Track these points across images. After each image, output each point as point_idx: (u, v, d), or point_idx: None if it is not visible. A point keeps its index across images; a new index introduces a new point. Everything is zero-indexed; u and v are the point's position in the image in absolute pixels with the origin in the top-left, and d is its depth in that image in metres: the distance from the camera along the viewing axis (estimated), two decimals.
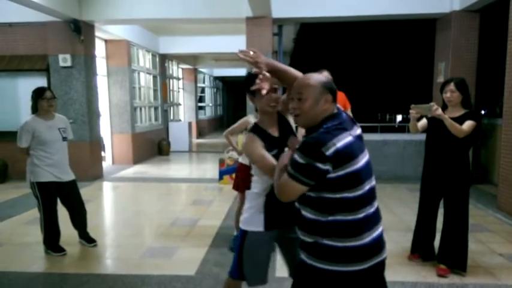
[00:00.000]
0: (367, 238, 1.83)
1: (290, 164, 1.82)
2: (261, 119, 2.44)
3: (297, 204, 1.99)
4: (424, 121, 3.82)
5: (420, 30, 11.98)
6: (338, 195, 1.79)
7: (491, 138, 7.63)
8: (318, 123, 1.88)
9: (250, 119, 4.09)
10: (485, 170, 7.74)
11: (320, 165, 1.73)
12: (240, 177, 4.24)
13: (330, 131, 1.79)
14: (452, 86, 3.58)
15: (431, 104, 3.48)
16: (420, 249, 4.00)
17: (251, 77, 2.33)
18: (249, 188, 2.57)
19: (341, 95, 5.22)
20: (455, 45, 7.42)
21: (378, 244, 1.89)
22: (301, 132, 2.44)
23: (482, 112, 9.24)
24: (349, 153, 1.76)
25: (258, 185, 2.46)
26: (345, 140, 1.77)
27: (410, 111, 3.66)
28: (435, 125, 3.65)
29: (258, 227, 2.45)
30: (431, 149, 3.78)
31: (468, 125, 3.47)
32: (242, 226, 2.54)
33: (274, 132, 2.41)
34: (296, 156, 1.78)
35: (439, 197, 3.84)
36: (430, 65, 8.28)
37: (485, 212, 5.80)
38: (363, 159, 1.83)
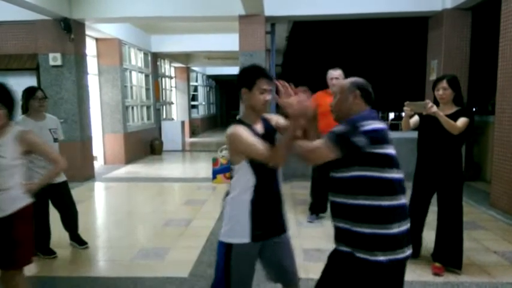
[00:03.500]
0: (397, 229, 1.93)
1: (330, 132, 1.99)
2: (246, 114, 2.35)
3: (331, 195, 2.12)
4: (416, 118, 3.82)
5: (412, 28, 11.99)
6: (369, 173, 1.93)
7: (483, 135, 7.66)
8: (353, 114, 2.06)
9: None
10: (478, 167, 7.76)
11: (355, 138, 1.90)
12: None
13: (364, 117, 2.00)
14: (444, 83, 3.58)
15: (426, 101, 3.47)
16: None
17: (246, 71, 2.32)
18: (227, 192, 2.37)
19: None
20: (448, 43, 7.43)
21: (407, 237, 1.99)
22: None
23: (474, 109, 9.26)
24: (383, 135, 1.95)
25: (239, 188, 2.28)
26: (380, 124, 1.97)
27: (405, 108, 3.64)
28: (428, 123, 3.65)
29: (243, 239, 2.25)
30: (424, 146, 3.78)
31: (462, 121, 3.47)
32: (225, 239, 2.29)
33: (259, 129, 2.34)
34: (335, 129, 1.98)
35: (431, 194, 3.85)
36: (423, 63, 8.29)
37: (479, 209, 5.82)
38: (392, 150, 1.99)
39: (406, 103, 3.63)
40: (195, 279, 3.69)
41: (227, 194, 2.37)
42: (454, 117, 3.51)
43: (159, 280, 3.69)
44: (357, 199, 1.95)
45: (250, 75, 2.29)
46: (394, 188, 1.95)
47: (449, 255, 3.71)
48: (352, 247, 1.98)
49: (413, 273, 3.71)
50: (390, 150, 1.96)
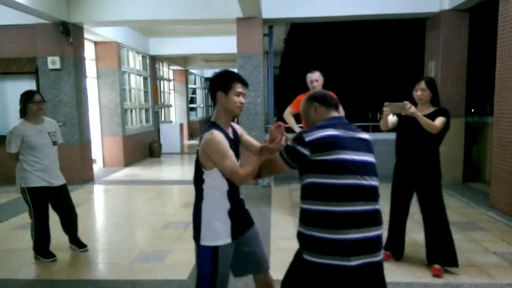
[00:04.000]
0: (351, 235, 1.91)
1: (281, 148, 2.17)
2: (220, 117, 2.38)
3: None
4: (394, 118, 3.91)
5: (410, 29, 12.03)
6: (316, 180, 1.99)
7: (482, 136, 7.67)
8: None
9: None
10: (477, 168, 7.77)
11: (300, 148, 2.01)
12: None
13: (319, 126, 2.08)
14: (422, 84, 3.72)
15: (405, 102, 3.57)
16: (392, 248, 4.05)
17: (222, 75, 2.36)
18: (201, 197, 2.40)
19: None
20: (445, 44, 7.44)
21: (365, 243, 1.93)
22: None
23: (473, 110, 9.27)
24: (328, 143, 1.98)
25: (215, 192, 2.35)
26: (326, 132, 2.01)
27: (384, 109, 3.74)
28: (406, 123, 3.75)
29: (226, 239, 2.34)
30: (402, 146, 3.86)
31: (440, 121, 3.58)
32: (209, 243, 2.33)
33: (231, 134, 2.41)
34: (289, 142, 2.12)
35: (411, 194, 3.92)
36: (421, 64, 8.30)
37: (478, 210, 5.82)
38: (347, 156, 1.97)
39: (385, 104, 3.73)
40: (194, 281, 3.68)
41: (199, 199, 2.43)
42: (431, 117, 3.63)
43: (159, 283, 3.68)
44: (311, 204, 2.01)
45: (226, 78, 2.34)
46: (348, 193, 1.94)
47: (442, 255, 3.74)
48: (302, 248, 2.05)
49: (413, 275, 3.71)
50: (343, 156, 1.95)
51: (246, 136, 2.61)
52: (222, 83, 2.34)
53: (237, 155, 2.40)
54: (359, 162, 1.98)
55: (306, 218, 2.03)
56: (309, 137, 2.00)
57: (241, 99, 2.34)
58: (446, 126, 3.62)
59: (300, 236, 2.06)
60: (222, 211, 2.34)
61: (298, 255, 2.12)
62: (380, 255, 2.00)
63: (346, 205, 1.93)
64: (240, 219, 2.43)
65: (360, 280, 1.94)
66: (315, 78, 5.12)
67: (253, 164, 2.28)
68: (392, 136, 4.09)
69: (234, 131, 2.49)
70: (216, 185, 2.34)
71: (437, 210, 3.73)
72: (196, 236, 2.41)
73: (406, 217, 3.98)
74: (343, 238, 1.90)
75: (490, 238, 4.69)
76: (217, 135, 2.24)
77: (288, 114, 5.43)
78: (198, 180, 2.40)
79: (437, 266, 3.73)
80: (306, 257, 1.99)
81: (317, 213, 1.97)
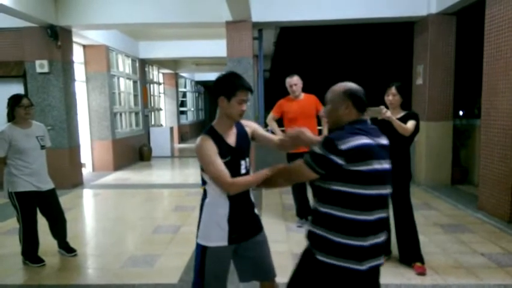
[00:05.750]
0: (369, 241, 1.94)
1: (308, 152, 1.99)
2: (220, 122, 2.38)
3: (313, 200, 2.12)
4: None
5: (399, 33, 12.14)
6: (345, 189, 1.91)
7: (470, 139, 7.75)
8: (342, 126, 2.03)
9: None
10: (466, 170, 7.84)
11: (334, 157, 1.88)
12: None
13: (348, 131, 1.95)
14: (393, 89, 3.92)
15: (381, 107, 3.69)
16: None
17: (227, 80, 2.34)
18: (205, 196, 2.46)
19: (312, 98, 5.29)
20: (433, 47, 7.52)
21: (375, 250, 1.98)
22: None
23: (461, 113, 9.36)
24: (363, 153, 1.89)
25: (215, 193, 2.37)
26: (361, 140, 1.90)
27: None
28: (380, 126, 3.80)
29: (220, 242, 2.35)
30: None
31: (411, 124, 3.78)
32: (201, 241, 2.40)
33: (230, 139, 2.37)
34: (313, 147, 1.97)
35: None
36: (409, 68, 8.37)
37: (466, 212, 5.88)
38: (379, 166, 1.94)
39: None
40: (184, 285, 3.68)
41: (204, 197, 2.47)
42: (402, 120, 3.79)
43: (149, 287, 3.67)
44: (335, 210, 1.95)
45: (231, 85, 2.31)
46: (371, 203, 1.95)
47: (411, 253, 3.91)
48: (316, 249, 2.02)
49: (402, 277, 3.74)
50: (375, 167, 1.92)
51: (260, 132, 2.56)
52: (225, 89, 2.30)
53: (242, 158, 2.39)
54: (383, 171, 1.98)
55: (327, 222, 1.98)
56: (343, 145, 1.87)
57: (243, 107, 2.32)
58: (416, 129, 3.81)
59: (315, 237, 2.03)
60: (220, 213, 2.35)
61: (307, 255, 2.09)
62: (383, 258, 2.05)
63: (367, 214, 1.94)
64: (242, 224, 2.41)
65: (366, 282, 2.01)
66: (294, 82, 5.18)
67: (253, 175, 2.28)
68: None
69: (241, 134, 2.45)
70: (215, 187, 2.35)
71: (405, 210, 3.91)
72: (197, 231, 2.46)
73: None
74: (361, 245, 1.93)
75: (478, 239, 4.74)
76: (203, 141, 2.27)
77: (270, 119, 5.47)
78: (202, 180, 2.45)
79: (418, 264, 3.85)
80: (320, 257, 1.97)
81: (341, 219, 1.93)
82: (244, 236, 2.42)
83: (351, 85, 2.11)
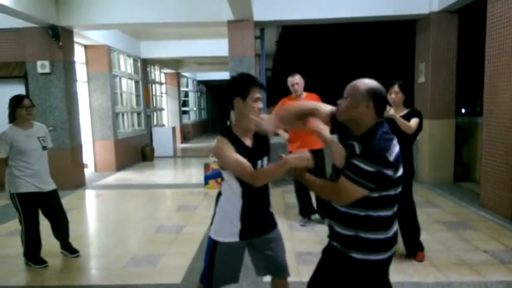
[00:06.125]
0: (392, 231, 2.05)
1: (352, 170, 1.90)
2: (238, 123, 2.40)
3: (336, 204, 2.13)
4: None
5: (401, 31, 12.11)
6: (384, 193, 1.94)
7: (472, 136, 7.73)
8: (370, 130, 1.96)
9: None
10: (468, 167, 7.83)
11: (387, 171, 1.87)
12: None
13: (385, 138, 1.93)
14: (396, 88, 3.94)
15: None
16: None
17: (239, 80, 2.36)
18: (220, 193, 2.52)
19: (313, 97, 5.27)
20: (435, 45, 7.50)
21: (396, 236, 2.12)
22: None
23: (463, 111, 9.35)
24: (399, 158, 1.96)
25: (230, 190, 2.42)
26: (396, 147, 1.95)
27: None
28: None
29: (232, 238, 2.41)
30: None
31: (415, 122, 3.81)
32: (213, 235, 2.46)
33: (247, 141, 2.40)
34: (359, 164, 1.87)
35: None
36: (411, 66, 8.36)
37: (468, 209, 5.86)
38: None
39: None
40: (188, 285, 3.68)
41: (220, 193, 2.51)
42: (405, 118, 3.82)
43: (152, 287, 3.67)
44: (373, 211, 1.98)
45: (244, 84, 2.33)
46: (396, 201, 2.05)
47: (414, 245, 4.04)
48: (349, 248, 2.04)
49: (404, 274, 3.73)
50: (402, 169, 1.99)
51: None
52: (239, 89, 2.33)
53: (259, 158, 2.40)
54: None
55: (358, 223, 2.00)
56: (391, 157, 1.87)
57: (259, 104, 2.34)
58: (419, 127, 3.84)
59: (346, 237, 2.04)
60: (234, 210, 2.39)
61: (334, 255, 2.12)
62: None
63: (392, 209, 2.04)
64: (255, 222, 2.45)
65: (386, 270, 2.15)
66: (296, 82, 5.16)
67: (274, 165, 2.26)
68: None
69: (262, 139, 2.46)
70: (230, 185, 2.40)
71: (408, 208, 3.97)
72: (210, 225, 2.54)
73: None
74: (388, 236, 2.02)
75: (480, 237, 4.73)
76: (219, 141, 2.33)
77: None
78: (221, 177, 2.49)
79: (420, 252, 4.03)
80: (355, 255, 2.00)
81: (373, 219, 1.98)
82: (257, 232, 2.47)
83: (375, 84, 2.01)
